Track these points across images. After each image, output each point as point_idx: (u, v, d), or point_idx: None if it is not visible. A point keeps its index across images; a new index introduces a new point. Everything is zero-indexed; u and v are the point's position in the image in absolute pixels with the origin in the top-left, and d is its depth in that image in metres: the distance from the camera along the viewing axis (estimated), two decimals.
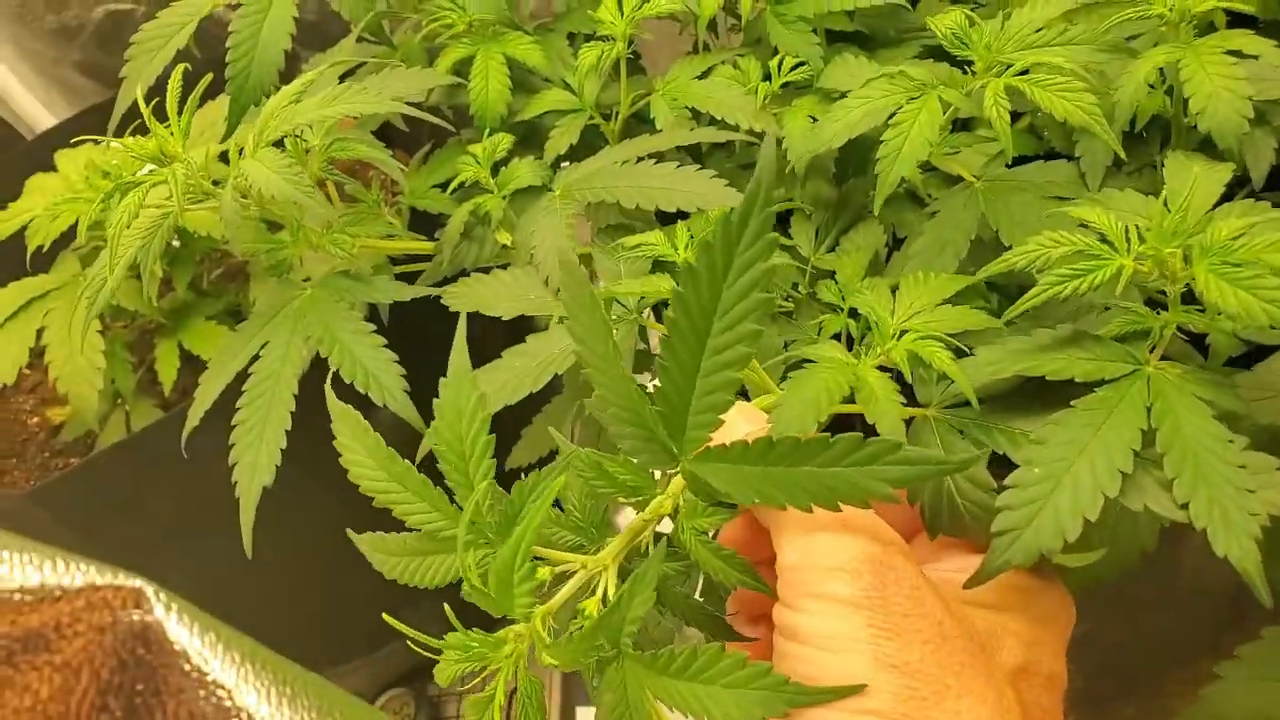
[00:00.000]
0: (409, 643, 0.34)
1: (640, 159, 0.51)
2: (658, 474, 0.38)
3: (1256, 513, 0.32)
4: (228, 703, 0.21)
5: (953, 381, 0.39)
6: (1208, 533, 0.32)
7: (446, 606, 0.40)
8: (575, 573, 0.38)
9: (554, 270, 0.48)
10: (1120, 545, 0.44)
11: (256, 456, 0.48)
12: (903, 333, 0.39)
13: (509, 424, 0.55)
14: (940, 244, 0.45)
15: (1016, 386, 0.38)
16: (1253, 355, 0.41)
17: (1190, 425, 0.34)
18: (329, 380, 0.40)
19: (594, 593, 0.38)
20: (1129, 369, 0.36)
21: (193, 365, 0.81)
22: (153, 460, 0.70)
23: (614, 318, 0.47)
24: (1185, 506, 0.33)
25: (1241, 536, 0.32)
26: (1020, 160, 0.50)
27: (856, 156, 0.55)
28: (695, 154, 0.58)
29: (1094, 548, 0.45)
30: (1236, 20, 0.51)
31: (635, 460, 0.35)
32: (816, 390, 0.38)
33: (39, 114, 1.11)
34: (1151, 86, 0.48)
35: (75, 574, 0.21)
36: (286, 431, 0.48)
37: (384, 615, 0.34)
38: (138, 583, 0.22)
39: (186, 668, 0.21)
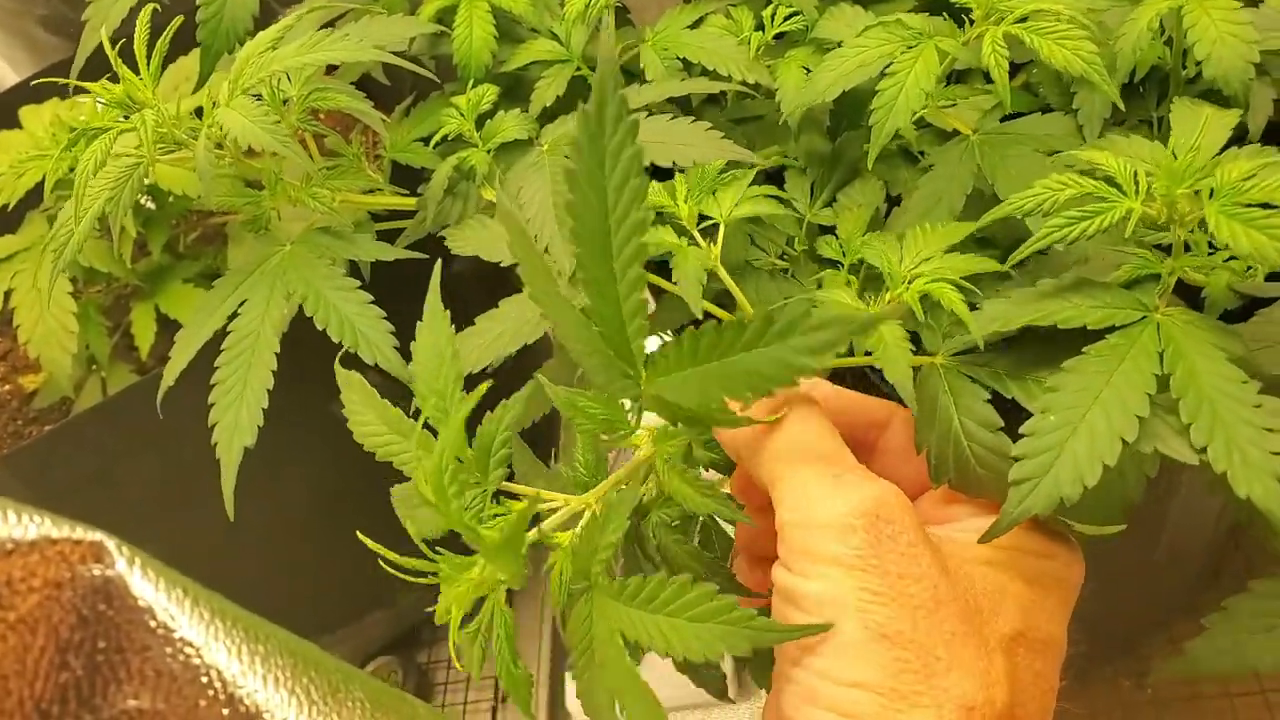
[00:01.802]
0: (390, 578, 0.33)
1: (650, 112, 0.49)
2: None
3: (1277, 451, 0.31)
4: (196, 660, 0.20)
5: (960, 331, 0.37)
6: (1228, 475, 0.31)
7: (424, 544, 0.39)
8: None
9: (546, 228, 0.46)
10: (1109, 499, 0.43)
11: (237, 417, 0.46)
12: (914, 279, 0.38)
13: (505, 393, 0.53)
14: (936, 197, 0.44)
15: (1025, 334, 0.37)
16: (1248, 309, 0.40)
17: (1204, 369, 0.32)
18: (338, 358, 0.39)
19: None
20: (1138, 315, 0.35)
21: (170, 329, 0.78)
22: (129, 426, 0.68)
23: None
24: (1203, 451, 0.31)
25: (1264, 476, 0.31)
26: (1015, 117, 0.48)
27: (851, 110, 0.53)
28: (686, 107, 0.56)
29: (1078, 511, 0.44)
30: None
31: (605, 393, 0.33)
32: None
33: (2, 71, 1.07)
34: (1153, 37, 0.47)
35: (29, 526, 0.19)
36: (268, 391, 0.46)
37: (358, 534, 0.33)
38: (98, 536, 0.20)
39: (152, 624, 0.20)
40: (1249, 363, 0.34)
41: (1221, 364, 0.32)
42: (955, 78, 0.53)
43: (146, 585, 0.20)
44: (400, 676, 0.94)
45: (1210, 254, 0.36)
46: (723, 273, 0.43)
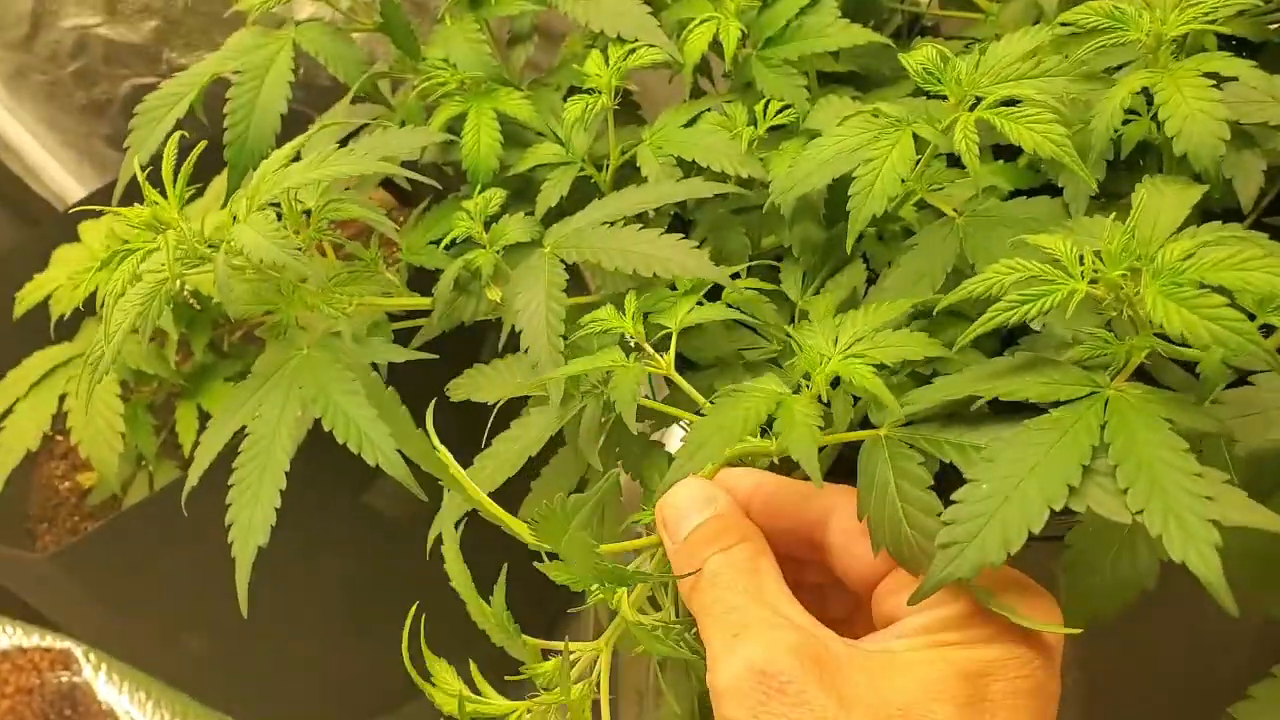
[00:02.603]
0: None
1: (627, 220, 0.54)
2: None
3: (1215, 519, 0.32)
4: None
5: (908, 404, 0.40)
6: (1163, 540, 0.33)
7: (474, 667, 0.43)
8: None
9: (535, 340, 0.50)
10: (1120, 583, 0.45)
11: (251, 517, 0.51)
12: (846, 358, 0.41)
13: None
14: (916, 276, 0.47)
15: (977, 407, 0.40)
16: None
17: (1146, 439, 0.35)
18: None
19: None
20: (1086, 391, 0.37)
21: None
22: (169, 520, 0.74)
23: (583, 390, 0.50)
24: (1139, 513, 0.33)
25: (1199, 543, 0.32)
26: (1018, 195, 0.51)
27: (845, 198, 0.57)
28: (685, 203, 0.61)
29: (1089, 597, 0.45)
30: (1233, 44, 0.52)
31: None
32: (733, 416, 0.40)
33: (72, 188, 1.18)
34: (1138, 114, 0.49)
35: (1, 637, 0.23)
36: (281, 491, 0.51)
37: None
38: (67, 644, 0.24)
39: None
40: (1215, 437, 0.36)
41: (1163, 433, 0.35)
42: (954, 160, 0.57)
43: (110, 689, 0.24)
44: None
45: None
46: (675, 376, 0.48)
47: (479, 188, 0.60)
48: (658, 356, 0.48)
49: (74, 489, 0.95)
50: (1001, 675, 0.35)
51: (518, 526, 0.42)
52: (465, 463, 0.45)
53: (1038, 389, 0.37)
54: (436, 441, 0.44)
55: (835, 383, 0.44)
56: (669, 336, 0.49)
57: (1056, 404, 0.37)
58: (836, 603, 0.44)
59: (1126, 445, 0.35)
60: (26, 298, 0.86)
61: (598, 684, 0.45)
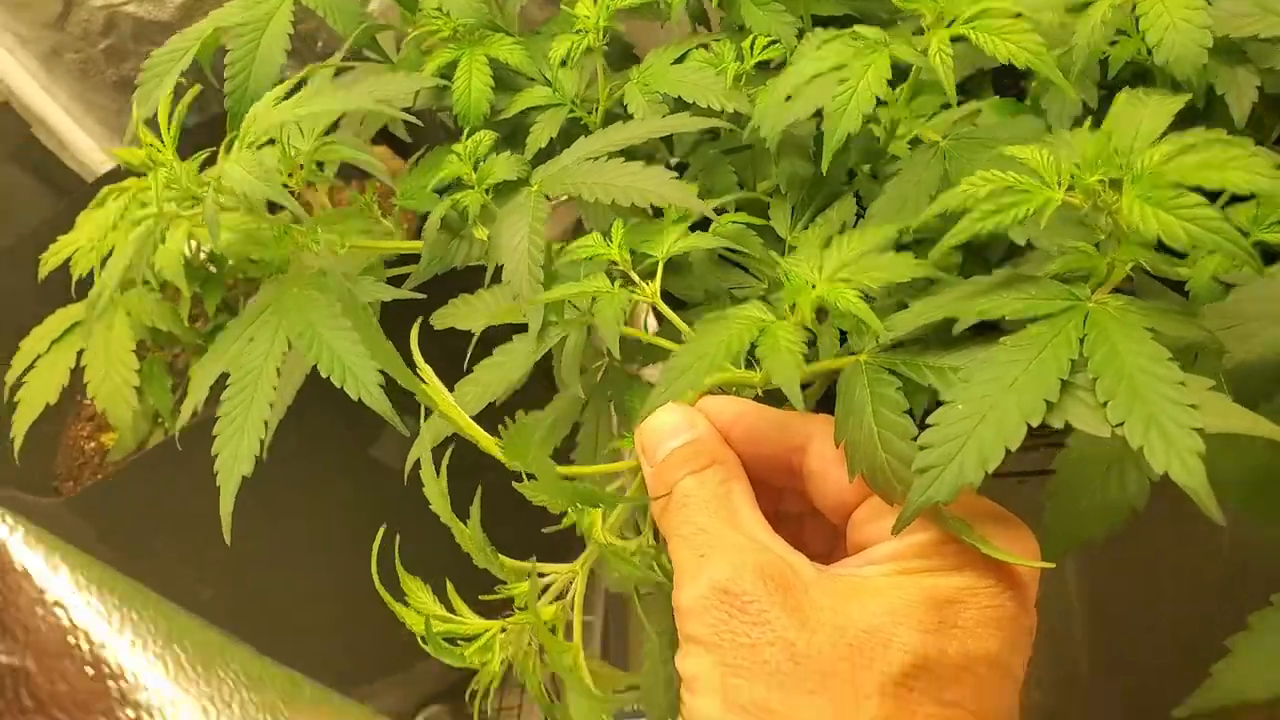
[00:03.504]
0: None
1: (612, 155, 0.52)
2: None
3: (1199, 427, 0.30)
4: (65, 622, 0.22)
5: (889, 329, 0.38)
6: (1144, 452, 0.30)
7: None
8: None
9: (516, 269, 0.48)
10: (1109, 506, 0.42)
11: (237, 448, 0.49)
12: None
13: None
14: (901, 201, 0.45)
15: (958, 330, 0.37)
16: None
17: (1127, 350, 0.32)
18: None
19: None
20: (1065, 305, 0.34)
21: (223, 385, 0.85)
22: (180, 469, 0.73)
23: (566, 318, 0.48)
24: (1119, 426, 0.31)
25: (1183, 452, 0.30)
26: None
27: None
28: (677, 148, 0.58)
29: (1076, 521, 0.43)
30: None
31: None
32: (715, 342, 0.38)
33: (104, 162, 1.18)
34: (1126, 34, 0.47)
35: None
36: (265, 423, 0.49)
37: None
38: None
39: (27, 585, 0.22)
40: (1202, 347, 0.34)
41: (1146, 344, 0.32)
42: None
43: (26, 551, 0.22)
44: None
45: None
46: (661, 305, 0.45)
47: (469, 130, 0.58)
48: (643, 284, 0.46)
49: (98, 449, 0.95)
50: (972, 604, 0.33)
51: (493, 446, 0.40)
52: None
53: (1015, 305, 0.35)
54: (420, 359, 0.43)
55: (822, 317, 0.42)
56: (656, 268, 0.47)
57: (1034, 319, 0.34)
58: (815, 534, 0.42)
59: (1106, 357, 0.32)
60: (50, 260, 0.86)
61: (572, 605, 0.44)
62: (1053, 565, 0.35)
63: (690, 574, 0.35)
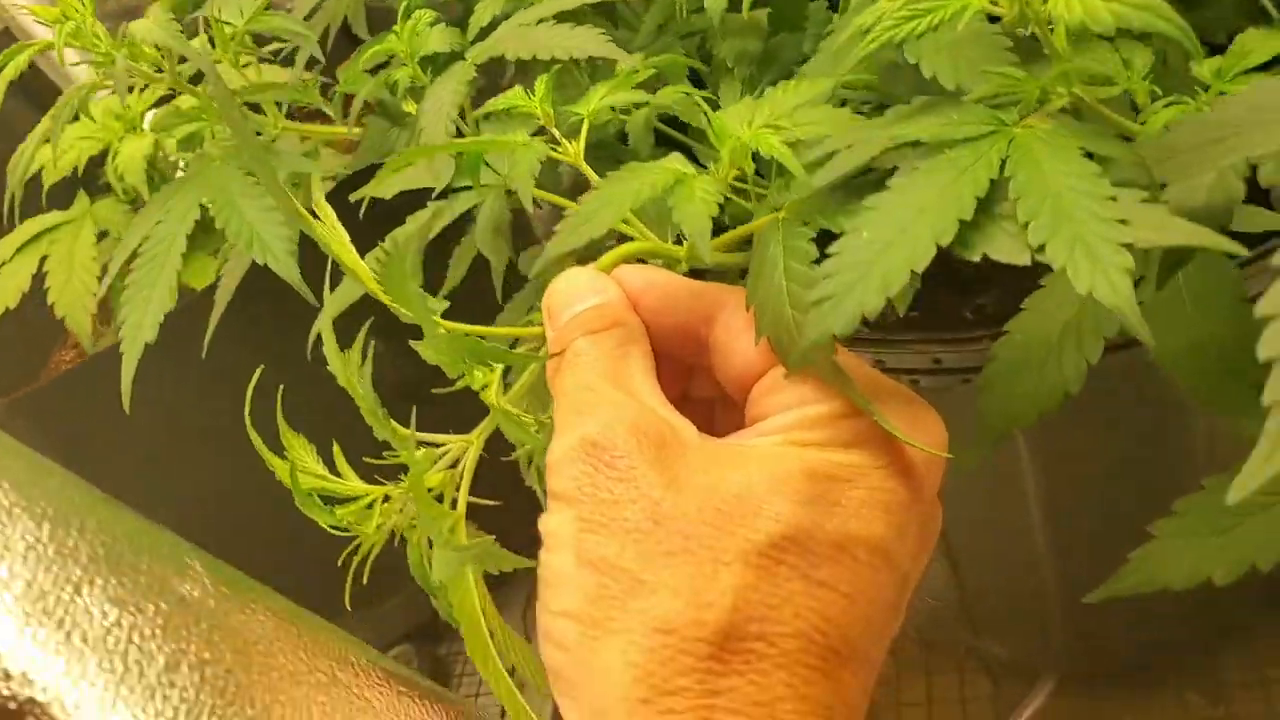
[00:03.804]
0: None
1: (546, 20, 0.48)
2: None
3: (1129, 242, 0.26)
4: None
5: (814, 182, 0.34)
6: (1068, 272, 0.26)
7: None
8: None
9: (433, 126, 0.45)
10: (1045, 389, 0.38)
11: (142, 316, 0.46)
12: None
13: None
14: (837, 58, 0.40)
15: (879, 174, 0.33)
16: None
17: (1053, 169, 0.28)
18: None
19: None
20: (989, 129, 0.30)
21: (186, 297, 0.83)
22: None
23: (484, 184, 0.45)
24: (1040, 249, 0.27)
25: (1109, 270, 0.26)
26: None
27: (791, 11, 0.51)
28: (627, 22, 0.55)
29: (1010, 403, 0.39)
30: None
31: None
32: (625, 190, 0.35)
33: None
34: None
35: None
36: (171, 289, 0.47)
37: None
38: None
39: None
40: (1136, 163, 0.30)
41: (1075, 161, 0.28)
42: None
43: None
44: (417, 664, 0.93)
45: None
46: (584, 167, 0.41)
47: (405, 6, 0.55)
48: (566, 142, 0.43)
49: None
50: (860, 483, 0.29)
51: (371, 281, 0.36)
52: None
53: (933, 130, 0.30)
54: (329, 214, 0.40)
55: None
56: (582, 127, 0.44)
57: (954, 144, 0.30)
58: (726, 422, 0.39)
59: (1031, 177, 0.28)
60: (18, 170, 0.84)
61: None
62: (947, 455, 0.31)
63: (563, 429, 0.32)
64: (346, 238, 0.39)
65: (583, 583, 0.28)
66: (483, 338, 0.38)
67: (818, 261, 0.32)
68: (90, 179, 0.84)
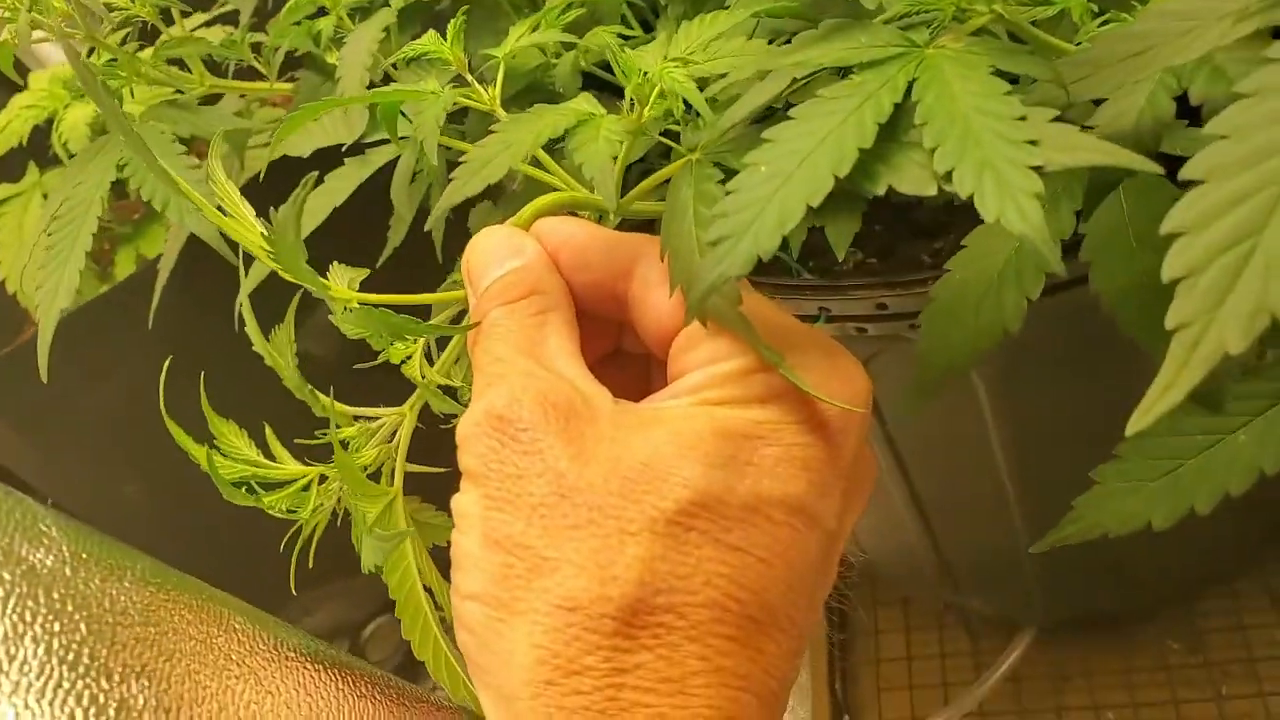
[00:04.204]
0: None
1: None
2: None
3: (1038, 164, 0.24)
4: None
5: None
6: (975, 199, 0.24)
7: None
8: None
9: (348, 74, 0.43)
10: (983, 326, 0.36)
11: (59, 280, 0.45)
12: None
13: None
14: None
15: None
16: None
17: (962, 89, 0.26)
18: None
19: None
20: (898, 51, 0.28)
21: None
22: (86, 348, 0.70)
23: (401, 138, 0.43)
24: (948, 178, 0.25)
25: (1018, 195, 0.24)
26: None
27: None
28: None
29: (948, 348, 0.37)
30: None
31: None
32: (526, 131, 0.33)
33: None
34: None
35: None
36: (87, 253, 0.45)
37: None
38: None
39: None
40: (1052, 80, 0.28)
41: (982, 80, 0.26)
42: None
43: None
44: (399, 635, 0.92)
45: None
46: (500, 111, 0.39)
47: None
48: (479, 87, 0.41)
49: None
50: (774, 440, 0.28)
51: (262, 254, 0.35)
52: None
53: (838, 54, 0.29)
54: (220, 175, 0.38)
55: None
56: (498, 72, 0.42)
57: (860, 68, 0.28)
58: (662, 378, 0.37)
59: (938, 99, 0.26)
60: None
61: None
62: (862, 410, 0.29)
63: (473, 402, 0.30)
64: (245, 210, 0.37)
65: (489, 563, 0.27)
66: (398, 308, 0.36)
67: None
68: (41, 150, 0.83)
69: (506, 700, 0.27)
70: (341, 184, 0.44)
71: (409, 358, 0.39)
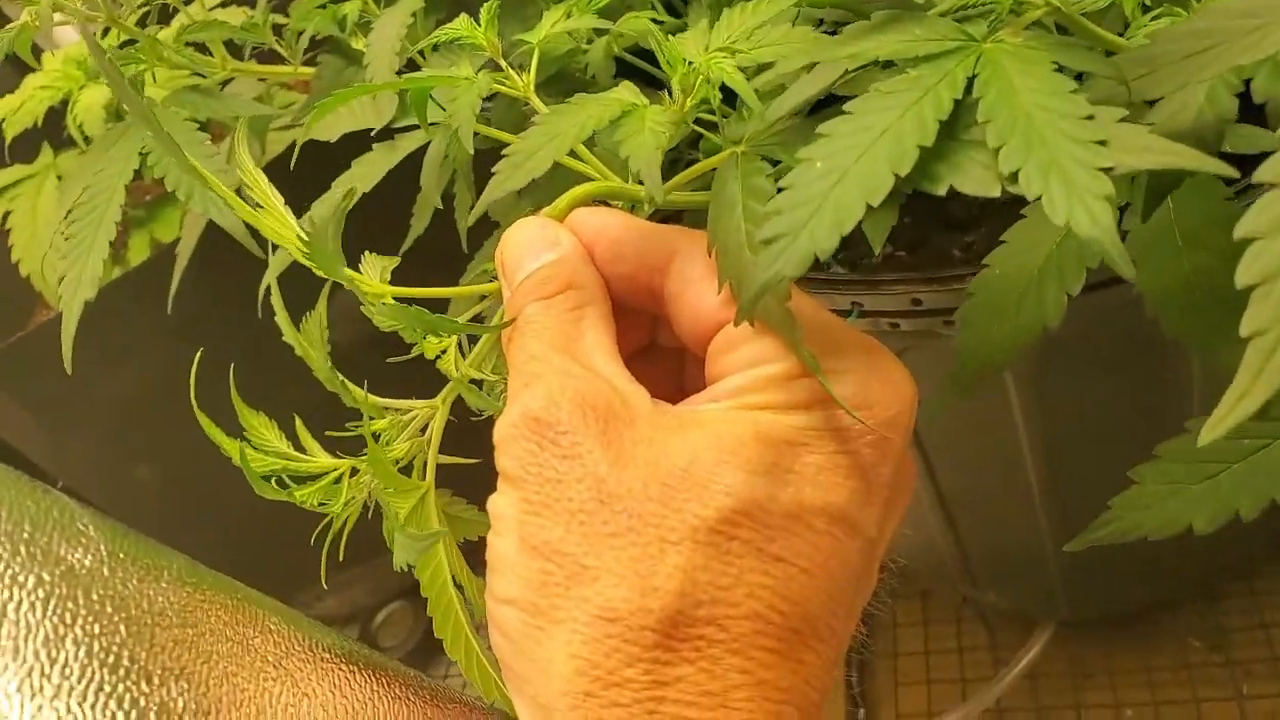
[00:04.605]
0: None
1: None
2: None
3: (1108, 166, 0.23)
4: None
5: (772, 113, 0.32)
6: (1043, 201, 0.24)
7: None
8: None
9: (377, 61, 0.43)
10: (1023, 322, 0.36)
11: (82, 271, 0.44)
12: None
13: None
14: None
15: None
16: None
17: (1024, 85, 0.25)
18: None
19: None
20: (955, 45, 0.28)
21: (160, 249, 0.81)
22: (105, 334, 0.70)
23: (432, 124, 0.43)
24: (1014, 178, 0.24)
25: (1087, 197, 0.23)
26: None
27: None
28: None
29: (988, 346, 0.37)
30: None
31: None
32: (570, 122, 0.32)
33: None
34: None
35: None
36: (108, 243, 0.45)
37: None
38: None
39: None
40: (1114, 78, 0.27)
41: (1046, 77, 0.25)
42: None
43: None
44: (413, 622, 0.93)
45: None
46: (534, 99, 0.39)
47: None
48: (514, 74, 0.40)
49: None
50: (818, 447, 0.27)
51: (297, 252, 0.34)
52: None
53: (894, 47, 0.28)
54: (249, 165, 0.37)
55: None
56: (532, 58, 0.41)
57: (916, 62, 0.28)
58: (698, 374, 0.37)
59: (1000, 96, 0.25)
60: None
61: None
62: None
63: (510, 403, 0.30)
64: (275, 199, 0.36)
65: (526, 569, 0.27)
66: (429, 303, 0.36)
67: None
68: (56, 131, 0.82)
69: (543, 709, 0.27)
70: (369, 170, 0.43)
71: (443, 352, 0.39)
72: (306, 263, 0.34)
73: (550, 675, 0.26)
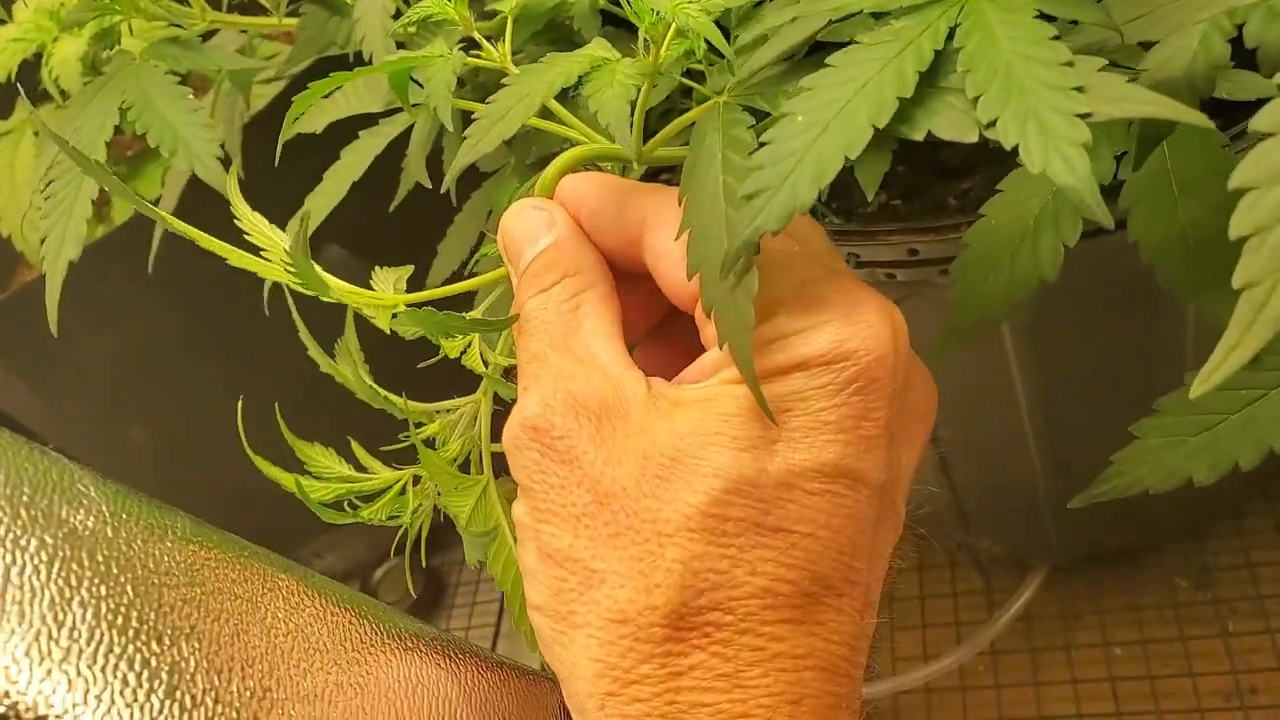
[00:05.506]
0: None
1: None
2: None
3: (1085, 113, 0.23)
4: None
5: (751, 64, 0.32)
6: (1020, 150, 0.24)
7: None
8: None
9: (370, 33, 0.42)
10: (1019, 273, 0.36)
11: (64, 231, 0.44)
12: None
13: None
14: None
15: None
16: None
17: (1004, 34, 0.25)
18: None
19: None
20: None
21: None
22: (88, 293, 0.69)
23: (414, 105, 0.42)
24: (991, 126, 0.25)
25: (1063, 144, 0.23)
26: None
27: None
28: None
29: (984, 298, 0.37)
30: None
31: None
32: (539, 81, 0.32)
33: None
34: None
35: None
36: (92, 201, 0.44)
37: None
38: None
39: None
40: (1102, 25, 0.27)
41: (1027, 25, 0.25)
42: None
43: None
44: (412, 580, 0.94)
45: None
46: (511, 68, 0.38)
47: None
48: (489, 45, 0.40)
49: None
50: (800, 409, 0.27)
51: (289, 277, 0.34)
52: None
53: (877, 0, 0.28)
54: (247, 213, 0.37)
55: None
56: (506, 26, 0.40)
57: (898, 13, 0.28)
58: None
59: (980, 46, 0.25)
60: None
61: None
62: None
63: (515, 409, 0.30)
64: (259, 221, 0.36)
65: (545, 577, 0.28)
66: (439, 304, 0.35)
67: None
68: (31, 84, 0.81)
69: (578, 712, 0.28)
70: (357, 158, 0.43)
71: (467, 348, 0.39)
72: (300, 288, 0.33)
73: (577, 678, 0.27)
